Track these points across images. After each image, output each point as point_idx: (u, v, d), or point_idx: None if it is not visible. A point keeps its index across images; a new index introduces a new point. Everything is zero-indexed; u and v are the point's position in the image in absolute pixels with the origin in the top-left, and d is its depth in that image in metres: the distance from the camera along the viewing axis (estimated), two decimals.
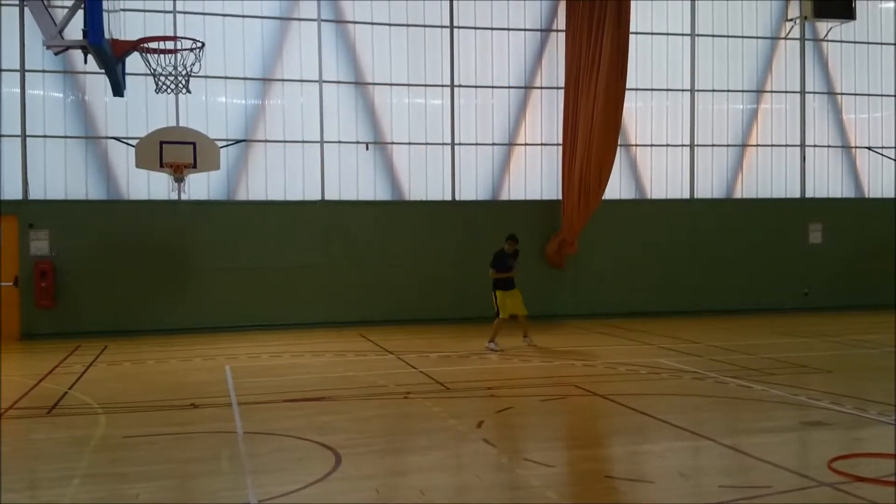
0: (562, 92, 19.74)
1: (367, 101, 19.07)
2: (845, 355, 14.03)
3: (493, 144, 19.78)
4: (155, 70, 14.50)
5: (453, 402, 10.29)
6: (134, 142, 16.91)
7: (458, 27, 19.44)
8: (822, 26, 21.46)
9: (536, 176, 20.08)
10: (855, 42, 21.83)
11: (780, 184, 21.59)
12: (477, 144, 19.66)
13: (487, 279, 19.23)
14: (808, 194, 21.70)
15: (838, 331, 16.99)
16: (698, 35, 20.81)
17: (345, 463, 7.51)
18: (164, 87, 14.71)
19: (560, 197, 19.70)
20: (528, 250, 19.43)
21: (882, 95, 22.17)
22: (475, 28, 19.56)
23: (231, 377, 12.21)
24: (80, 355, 14.63)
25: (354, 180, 18.95)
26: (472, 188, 19.69)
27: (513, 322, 15.07)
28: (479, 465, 7.64)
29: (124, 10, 15.97)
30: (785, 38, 21.41)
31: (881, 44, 22.05)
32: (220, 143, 17.39)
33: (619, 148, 19.48)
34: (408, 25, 19.18)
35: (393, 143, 19.20)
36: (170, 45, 14.69)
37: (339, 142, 18.83)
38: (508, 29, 19.78)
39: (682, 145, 20.87)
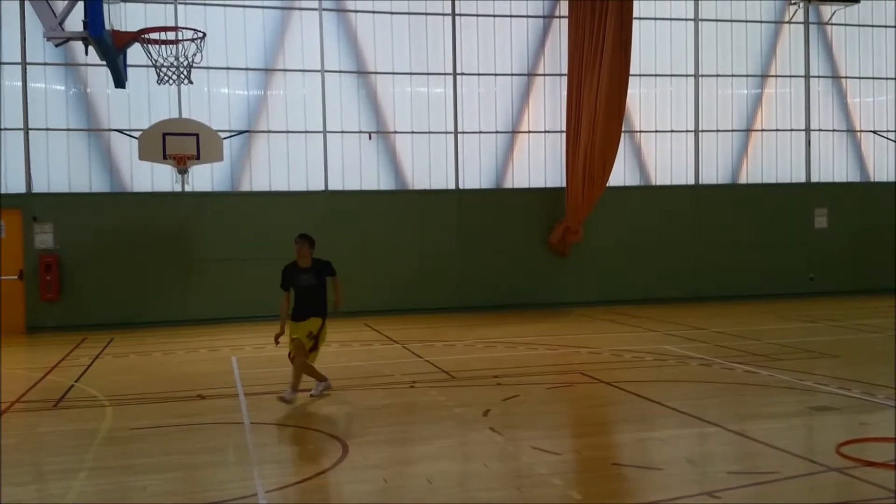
0: (565, 79, 19.64)
1: (370, 90, 19.01)
2: (852, 340, 14.00)
3: (497, 132, 19.71)
4: (156, 61, 14.48)
5: (459, 391, 10.29)
6: (137, 134, 16.89)
7: (460, 15, 19.34)
8: (826, 9, 21.29)
9: (540, 164, 20.01)
10: (859, 25, 21.67)
11: (785, 169, 21.49)
12: (480, 133, 19.59)
13: (490, 267, 19.47)
14: (814, 179, 21.60)
15: (844, 315, 16.94)
16: (702, 20, 20.67)
17: (352, 452, 7.51)
18: (166, 78, 14.69)
19: (564, 184, 19.64)
20: (532, 238, 19.56)
21: (887, 79, 22.01)
22: (477, 15, 19.46)
23: (237, 368, 12.22)
24: (85, 348, 14.66)
25: (358, 170, 18.91)
26: (475, 177, 19.63)
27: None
28: (486, 453, 7.62)
29: (124, 0, 15.92)
30: (789, 22, 21.27)
31: (885, 27, 21.88)
32: (222, 134, 17.36)
33: (623, 134, 19.41)
34: (409, 14, 19.09)
35: (396, 132, 19.15)
36: (171, 35, 14.67)
37: (342, 131, 18.78)
38: (511, 16, 19.67)
39: (687, 131, 20.78)
